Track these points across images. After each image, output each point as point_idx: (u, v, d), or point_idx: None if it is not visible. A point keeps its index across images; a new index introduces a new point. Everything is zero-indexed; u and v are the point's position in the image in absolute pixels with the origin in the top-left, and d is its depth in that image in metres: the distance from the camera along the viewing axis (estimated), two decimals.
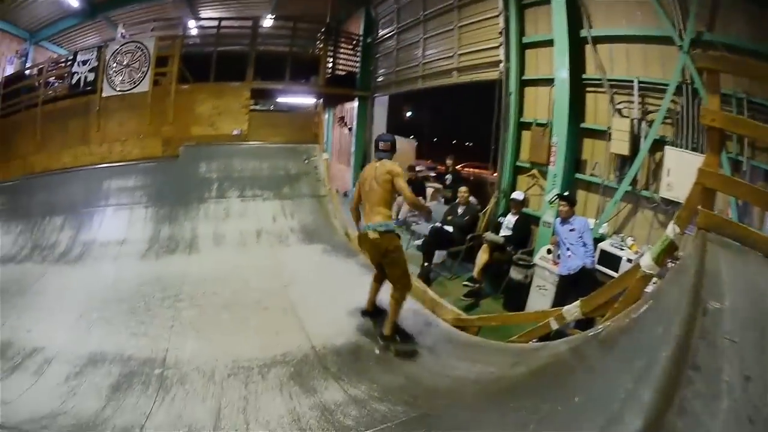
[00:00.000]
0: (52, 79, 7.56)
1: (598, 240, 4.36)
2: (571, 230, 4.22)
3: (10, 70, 7.84)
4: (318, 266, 4.94)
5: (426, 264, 5.23)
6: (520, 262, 4.68)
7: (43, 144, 6.73)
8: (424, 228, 6.13)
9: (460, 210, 5.74)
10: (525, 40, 5.44)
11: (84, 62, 6.82)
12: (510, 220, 5.21)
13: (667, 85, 3.99)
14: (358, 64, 9.70)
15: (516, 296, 4.68)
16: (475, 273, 4.89)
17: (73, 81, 6.81)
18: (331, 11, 9.03)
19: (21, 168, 6.74)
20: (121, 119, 6.68)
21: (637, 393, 1.33)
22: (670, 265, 2.36)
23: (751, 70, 2.65)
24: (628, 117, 4.35)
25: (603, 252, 4.21)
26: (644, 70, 4.26)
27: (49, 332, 3.52)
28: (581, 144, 4.93)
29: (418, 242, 6.17)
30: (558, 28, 4.73)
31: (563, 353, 2.16)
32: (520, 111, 5.55)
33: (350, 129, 10.33)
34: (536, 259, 4.65)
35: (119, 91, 6.68)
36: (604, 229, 4.51)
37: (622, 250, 4.14)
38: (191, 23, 9.47)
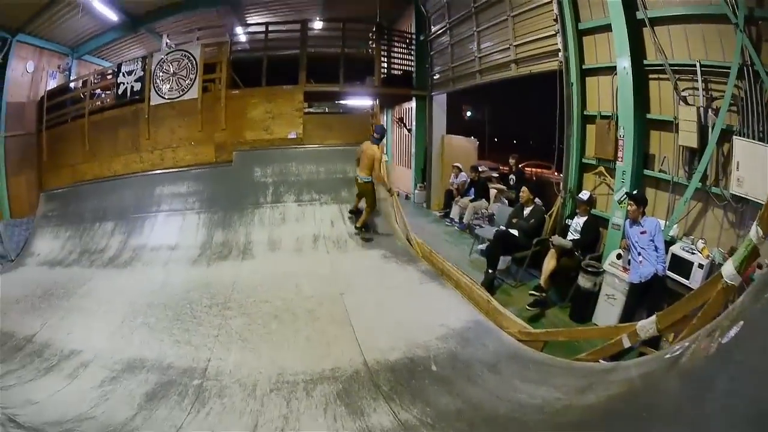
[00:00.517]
0: (98, 91, 7.86)
1: (668, 243, 3.93)
2: (642, 233, 3.83)
3: (53, 84, 8.19)
4: (376, 273, 4.72)
5: (490, 271, 4.85)
6: (589, 269, 4.25)
7: (92, 152, 6.96)
8: (488, 232, 5.78)
9: (525, 211, 5.33)
10: (581, 26, 5.08)
11: (129, 72, 7.03)
12: (578, 222, 4.81)
13: (728, 67, 3.52)
14: (413, 63, 9.37)
15: (584, 306, 4.30)
16: (542, 281, 4.50)
17: (120, 91, 7.02)
18: (380, 10, 8.87)
19: (70, 176, 6.99)
20: (171, 126, 6.80)
21: None
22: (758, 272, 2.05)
23: None
24: (693, 105, 3.89)
25: (674, 256, 3.79)
26: (704, 53, 3.81)
27: (90, 335, 3.51)
28: (648, 137, 4.51)
29: (482, 246, 5.82)
30: (614, 11, 4.40)
31: (635, 380, 1.89)
32: (583, 103, 5.17)
33: (410, 130, 10.10)
34: (605, 265, 4.26)
35: (168, 98, 6.82)
36: (674, 231, 4.06)
37: (693, 254, 3.68)
38: (238, 29, 9.58)
